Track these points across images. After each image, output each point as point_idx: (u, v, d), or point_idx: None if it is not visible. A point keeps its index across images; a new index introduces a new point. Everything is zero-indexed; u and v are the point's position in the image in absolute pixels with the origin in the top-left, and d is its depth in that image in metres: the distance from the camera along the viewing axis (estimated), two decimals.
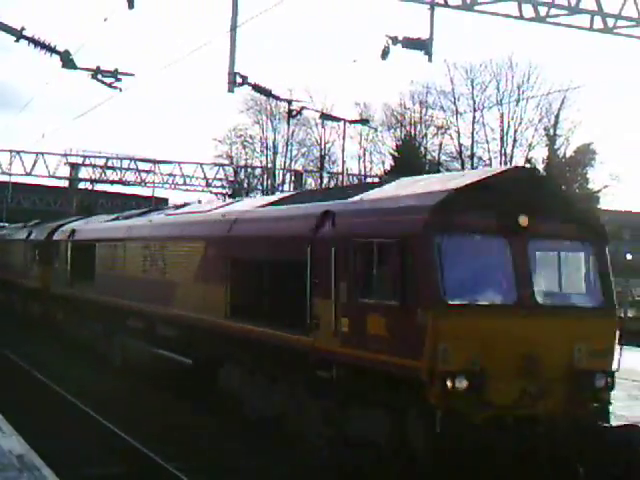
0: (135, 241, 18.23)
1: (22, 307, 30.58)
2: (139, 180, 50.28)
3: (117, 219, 21.63)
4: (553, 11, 19.36)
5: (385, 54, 18.96)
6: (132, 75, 20.41)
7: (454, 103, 55.47)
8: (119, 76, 20.13)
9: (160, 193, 53.38)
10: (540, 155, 52.81)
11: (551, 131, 53.02)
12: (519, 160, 52.38)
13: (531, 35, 69.50)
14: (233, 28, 19.15)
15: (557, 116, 52.71)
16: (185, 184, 50.39)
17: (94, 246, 20.59)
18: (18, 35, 16.41)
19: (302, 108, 21.29)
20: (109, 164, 49.57)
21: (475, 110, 53.99)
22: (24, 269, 29.61)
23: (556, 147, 52.00)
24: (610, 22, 19.94)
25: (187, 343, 14.94)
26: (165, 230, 17.25)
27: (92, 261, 20.48)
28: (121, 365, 18.67)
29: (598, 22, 19.91)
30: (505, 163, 52.18)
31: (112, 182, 50.21)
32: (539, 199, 9.52)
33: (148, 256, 17.11)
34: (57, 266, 24.21)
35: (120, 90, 20.33)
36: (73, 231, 23.20)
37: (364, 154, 61.56)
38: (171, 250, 16.02)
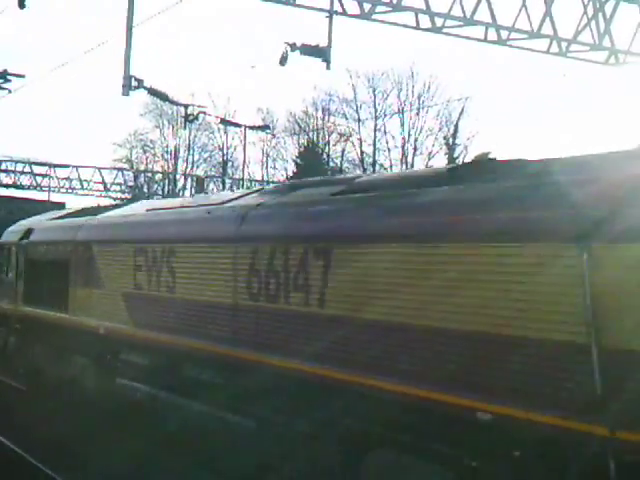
0: None
1: None
2: (35, 184, 48.87)
3: None
4: (449, 22, 19.65)
5: (283, 60, 18.97)
6: (22, 76, 19.83)
7: (356, 111, 55.92)
8: (8, 77, 19.54)
9: (56, 197, 51.95)
10: (440, 163, 53.67)
11: (450, 140, 53.99)
12: (417, 168, 53.21)
13: (432, 45, 70.73)
14: (129, 29, 18.76)
15: (456, 125, 53.71)
16: (83, 188, 49.25)
17: None
18: None
19: (199, 113, 21.05)
20: (2, 167, 48.03)
21: (377, 118, 54.57)
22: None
23: (455, 156, 52.88)
24: (504, 34, 20.39)
25: None
26: None
27: None
28: None
29: (492, 34, 20.34)
30: None
31: (6, 185, 48.62)
32: None
33: None
34: None
35: (9, 91, 19.74)
36: None
37: (267, 160, 61.48)
38: None
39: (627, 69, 22.30)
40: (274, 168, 61.60)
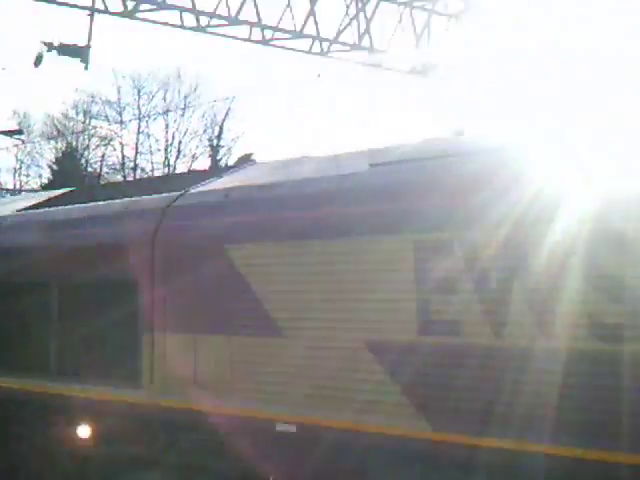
0: None
1: None
2: None
3: None
4: (214, 21, 19.31)
5: (38, 61, 17.95)
6: None
7: (119, 113, 54.18)
8: None
9: None
10: (203, 166, 53.34)
11: (215, 142, 53.73)
12: (182, 171, 52.47)
13: (200, 45, 70.36)
14: None
15: (221, 127, 53.55)
16: None
17: None
18: None
19: None
20: None
21: (140, 120, 53.14)
22: None
23: (218, 158, 52.70)
24: (268, 34, 20.31)
25: None
26: None
27: None
28: None
29: (257, 34, 20.20)
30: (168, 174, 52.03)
31: None
32: None
33: None
34: None
35: None
36: None
37: (20, 167, 58.07)
38: None
39: (385, 71, 23.00)
40: (27, 175, 58.36)
